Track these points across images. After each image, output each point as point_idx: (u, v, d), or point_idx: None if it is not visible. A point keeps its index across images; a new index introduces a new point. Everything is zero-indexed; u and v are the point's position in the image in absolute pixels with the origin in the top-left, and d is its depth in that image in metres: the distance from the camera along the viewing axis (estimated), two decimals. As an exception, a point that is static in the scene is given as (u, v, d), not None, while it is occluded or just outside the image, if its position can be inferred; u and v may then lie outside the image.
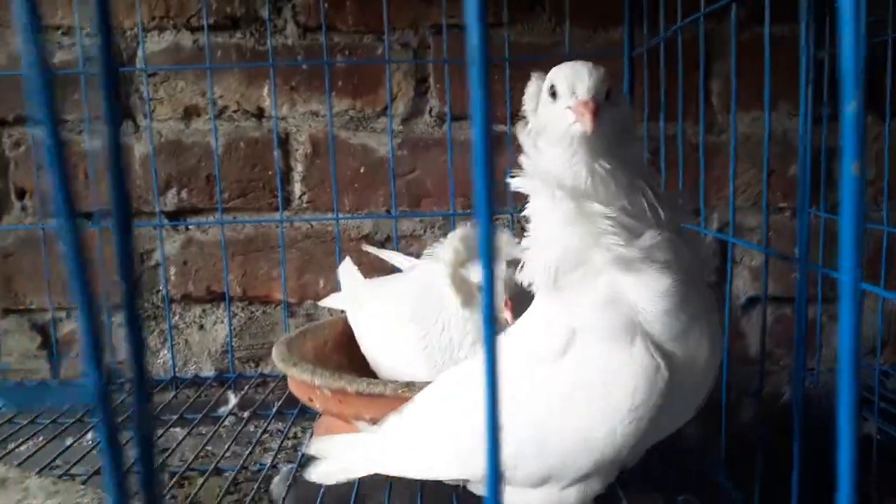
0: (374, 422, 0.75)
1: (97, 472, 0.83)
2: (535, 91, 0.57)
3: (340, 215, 1.12)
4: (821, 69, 1.02)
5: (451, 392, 0.61)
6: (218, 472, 0.84)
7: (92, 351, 0.22)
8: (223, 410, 1.03)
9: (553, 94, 0.54)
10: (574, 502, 0.56)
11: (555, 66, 0.56)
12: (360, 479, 0.73)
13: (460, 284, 0.78)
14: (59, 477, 0.80)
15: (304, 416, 1.00)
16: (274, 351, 0.85)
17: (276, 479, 0.84)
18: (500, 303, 0.75)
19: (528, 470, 0.54)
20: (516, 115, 1.11)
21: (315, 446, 0.69)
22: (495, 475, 0.21)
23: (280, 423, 1.06)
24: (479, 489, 0.61)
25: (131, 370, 0.22)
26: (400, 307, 0.83)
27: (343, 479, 0.66)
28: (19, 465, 0.83)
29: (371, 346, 0.88)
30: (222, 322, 1.17)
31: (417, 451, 0.62)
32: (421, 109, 1.14)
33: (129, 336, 0.22)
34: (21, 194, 1.14)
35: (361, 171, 1.14)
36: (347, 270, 0.99)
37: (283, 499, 0.80)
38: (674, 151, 0.99)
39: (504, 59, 1.09)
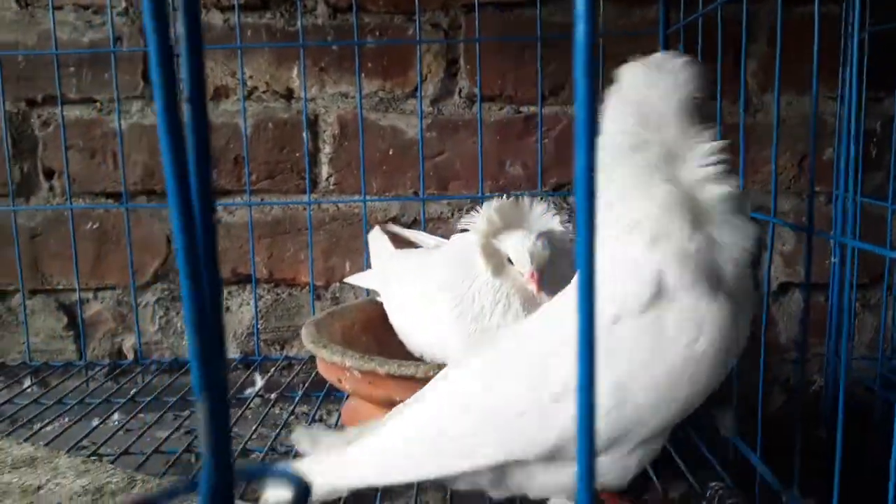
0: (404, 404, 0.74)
1: (125, 452, 0.83)
2: None
3: (368, 197, 1.11)
4: (861, 50, 0.99)
5: (486, 369, 0.60)
6: (245, 453, 0.84)
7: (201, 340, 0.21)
8: (249, 392, 1.02)
9: None
10: (635, 466, 0.56)
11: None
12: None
13: (492, 253, 0.77)
14: (88, 457, 0.80)
15: (331, 398, 1.00)
16: (303, 332, 0.85)
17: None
18: (525, 274, 0.75)
19: (602, 433, 0.53)
20: (548, 96, 1.10)
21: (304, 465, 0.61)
22: (589, 437, 0.19)
23: (306, 406, 1.06)
24: (520, 476, 0.59)
25: (204, 346, 0.21)
26: (431, 277, 0.82)
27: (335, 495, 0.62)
28: (46, 444, 0.83)
29: (401, 318, 0.86)
30: (248, 304, 1.16)
31: (443, 442, 0.58)
32: (451, 90, 1.12)
33: (209, 316, 0.21)
34: (49, 174, 1.14)
35: (390, 152, 1.13)
36: (377, 238, 0.98)
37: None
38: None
39: (536, 39, 1.07)
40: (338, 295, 1.15)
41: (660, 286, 0.52)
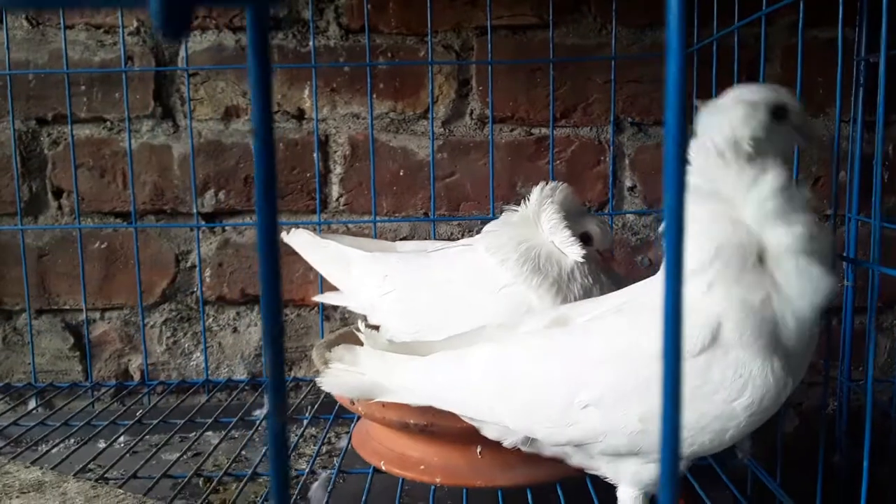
0: (418, 428, 0.73)
1: (134, 476, 0.82)
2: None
3: (378, 218, 1.11)
4: (874, 73, 0.99)
5: (538, 350, 0.61)
6: (255, 477, 0.82)
7: (274, 356, 0.20)
8: (258, 414, 1.01)
9: (778, 115, 0.56)
10: (649, 476, 0.58)
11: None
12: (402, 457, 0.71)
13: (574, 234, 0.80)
14: (96, 481, 0.79)
15: (340, 421, 0.99)
16: (314, 354, 0.84)
17: (314, 486, 0.81)
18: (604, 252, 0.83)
19: (622, 446, 0.56)
20: (560, 118, 1.10)
21: (339, 352, 0.67)
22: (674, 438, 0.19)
23: (315, 429, 1.05)
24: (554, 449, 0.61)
25: (269, 371, 0.20)
26: (512, 269, 0.81)
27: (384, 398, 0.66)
28: (54, 468, 0.82)
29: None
30: (256, 325, 1.15)
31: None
32: (462, 112, 1.12)
33: (269, 335, 0.20)
34: (58, 193, 1.13)
35: (400, 173, 1.12)
36: (317, 244, 0.95)
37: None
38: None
39: (549, 61, 1.07)
40: (347, 316, 1.14)
41: (714, 336, 0.52)
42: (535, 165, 1.12)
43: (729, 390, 0.52)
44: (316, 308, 1.14)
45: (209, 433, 0.97)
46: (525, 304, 0.78)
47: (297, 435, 1.03)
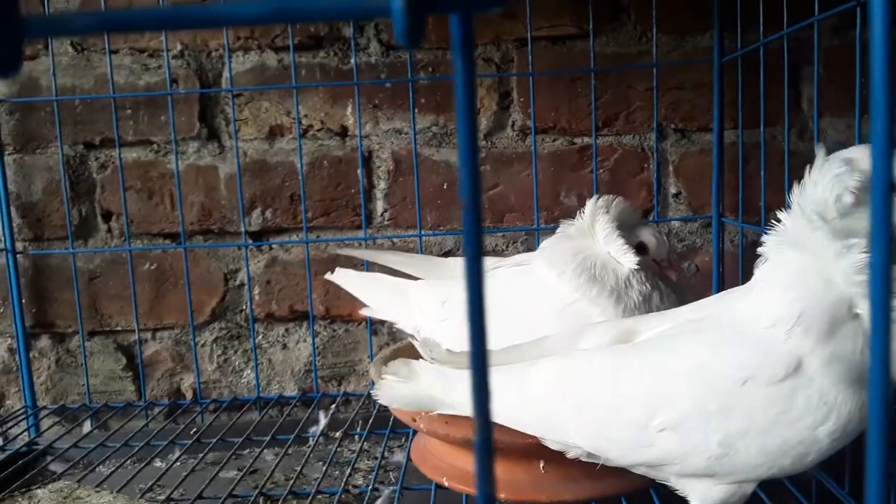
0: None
1: (200, 496, 0.82)
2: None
3: (423, 232, 1.12)
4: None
5: (609, 370, 0.61)
6: (318, 494, 0.83)
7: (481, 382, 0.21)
8: (314, 431, 1.02)
9: None
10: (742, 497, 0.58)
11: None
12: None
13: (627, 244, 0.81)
14: (163, 503, 0.80)
15: (396, 435, 0.99)
16: (371, 370, 0.84)
17: (378, 502, 0.82)
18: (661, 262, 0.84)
19: (699, 468, 0.55)
20: (602, 127, 1.10)
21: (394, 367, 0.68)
22: None
23: (372, 444, 1.05)
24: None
25: (476, 395, 0.21)
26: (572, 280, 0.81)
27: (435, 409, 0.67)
28: (119, 490, 0.83)
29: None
30: (305, 341, 1.16)
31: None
32: (503, 124, 1.12)
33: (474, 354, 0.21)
34: (107, 216, 1.15)
35: (444, 186, 1.13)
36: (367, 278, 0.98)
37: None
38: (759, 158, 0.97)
39: (590, 71, 1.07)
40: (394, 331, 1.15)
41: (798, 364, 0.53)
42: (579, 175, 1.12)
43: (813, 418, 0.52)
44: (363, 323, 1.15)
45: (264, 450, 0.98)
46: (589, 320, 0.78)
47: (350, 450, 1.04)
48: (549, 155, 1.12)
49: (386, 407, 1.09)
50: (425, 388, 0.66)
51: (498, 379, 0.64)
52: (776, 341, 0.53)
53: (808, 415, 0.52)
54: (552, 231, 1.11)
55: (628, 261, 0.80)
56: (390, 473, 0.95)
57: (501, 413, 0.63)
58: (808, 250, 0.54)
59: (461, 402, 0.65)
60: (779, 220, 0.57)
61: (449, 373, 0.67)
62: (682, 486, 0.59)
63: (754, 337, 0.55)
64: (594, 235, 0.83)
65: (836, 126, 1.09)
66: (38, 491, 0.76)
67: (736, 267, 1.09)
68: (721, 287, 1.08)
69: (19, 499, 0.74)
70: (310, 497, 0.81)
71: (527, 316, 0.82)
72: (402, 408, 0.75)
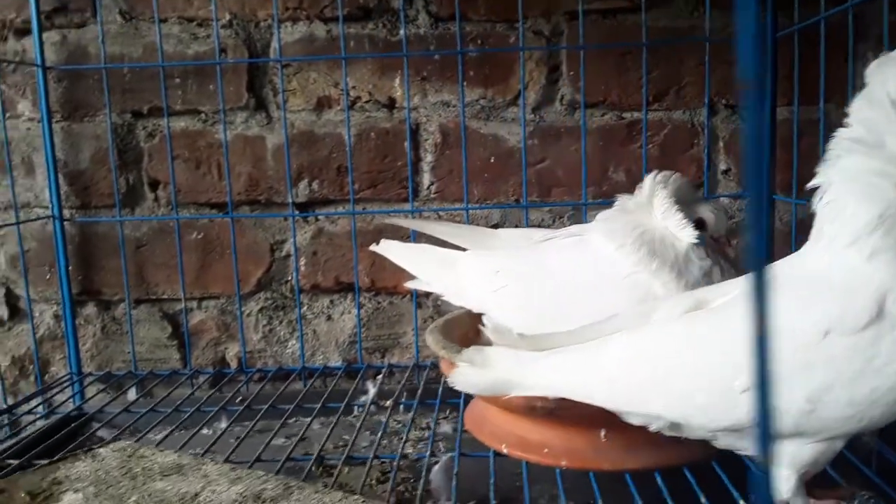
0: (545, 411, 0.73)
1: (258, 459, 0.83)
2: None
3: (469, 205, 1.11)
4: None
5: (685, 334, 0.61)
6: (375, 458, 0.83)
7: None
8: (363, 400, 1.02)
9: None
10: (810, 457, 0.57)
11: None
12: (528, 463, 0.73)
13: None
14: (223, 463, 0.81)
15: (446, 406, 1.00)
16: (429, 338, 0.84)
17: (435, 469, 0.82)
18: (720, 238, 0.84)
19: (786, 427, 0.55)
20: (652, 102, 1.09)
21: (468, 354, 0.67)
22: None
23: (421, 415, 1.05)
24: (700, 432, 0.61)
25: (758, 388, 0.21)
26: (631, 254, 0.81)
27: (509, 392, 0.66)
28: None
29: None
30: (349, 312, 1.16)
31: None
32: (552, 97, 1.12)
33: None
34: (154, 185, 1.15)
35: (491, 160, 1.13)
36: (413, 249, 0.97)
37: (446, 487, 0.80)
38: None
39: (642, 45, 1.06)
40: (439, 303, 1.15)
41: (880, 308, 0.52)
42: (627, 150, 1.12)
43: None
44: (408, 296, 1.15)
45: (313, 420, 0.98)
46: (649, 292, 0.78)
47: (398, 421, 1.04)
48: (598, 129, 1.12)
49: (435, 380, 1.10)
50: (501, 373, 0.66)
51: (573, 357, 0.65)
52: (855, 281, 0.53)
53: (895, 360, 0.51)
54: (599, 206, 1.11)
55: (687, 235, 0.80)
56: (440, 443, 0.95)
57: (582, 391, 0.63)
58: (880, 147, 0.53)
59: (537, 383, 0.65)
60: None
61: (523, 356, 0.66)
62: None
63: (830, 285, 0.55)
64: (652, 210, 0.83)
65: None
66: (101, 450, 0.76)
67: (784, 246, 1.08)
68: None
69: (82, 457, 0.74)
70: (367, 462, 0.81)
71: (583, 287, 0.82)
72: (479, 394, 0.76)
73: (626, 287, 0.80)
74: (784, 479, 0.59)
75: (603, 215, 0.86)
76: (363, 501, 0.64)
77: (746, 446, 0.60)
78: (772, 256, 1.07)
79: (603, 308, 0.79)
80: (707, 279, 0.80)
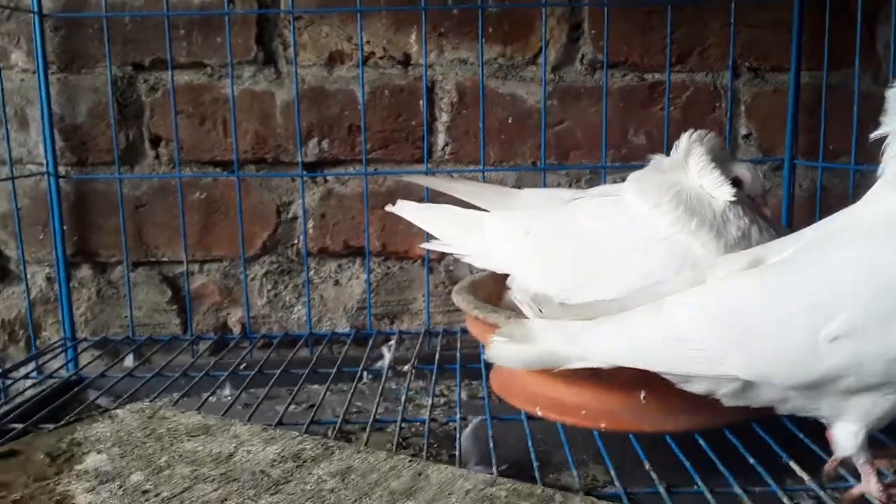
0: (588, 372, 0.71)
1: (280, 423, 0.79)
2: None
3: (486, 167, 1.08)
4: None
5: (760, 289, 0.58)
6: (404, 421, 0.80)
7: None
8: (379, 366, 0.99)
9: None
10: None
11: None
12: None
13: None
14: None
15: (467, 371, 0.97)
16: (458, 299, 0.81)
17: (465, 433, 0.79)
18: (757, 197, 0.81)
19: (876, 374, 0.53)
20: (674, 63, 1.07)
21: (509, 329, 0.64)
22: None
23: (443, 380, 1.02)
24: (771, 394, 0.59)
25: None
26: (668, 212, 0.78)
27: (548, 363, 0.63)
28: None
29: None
30: (358, 278, 1.13)
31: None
32: (572, 57, 1.09)
33: None
34: (156, 142, 1.10)
35: (509, 121, 1.09)
36: (434, 209, 0.93)
37: (476, 451, 0.77)
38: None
39: (666, 3, 1.04)
40: (451, 268, 1.12)
41: None
42: (649, 112, 1.09)
43: None
44: (419, 260, 1.12)
45: (328, 386, 0.94)
46: (689, 253, 0.75)
47: (416, 387, 1.01)
48: (619, 91, 1.09)
49: (448, 348, 1.07)
50: (548, 346, 0.63)
51: (632, 323, 0.61)
52: None
53: None
54: (620, 170, 1.09)
55: (725, 193, 0.78)
56: (467, 406, 0.92)
57: (644, 357, 0.61)
58: None
59: (593, 353, 0.62)
60: None
61: (571, 327, 0.63)
62: (838, 410, 0.56)
63: None
64: (688, 169, 0.81)
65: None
66: (118, 411, 0.72)
67: (804, 212, 1.07)
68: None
69: (99, 418, 0.70)
70: (396, 425, 0.78)
71: (619, 250, 0.79)
72: (521, 368, 0.73)
73: (664, 248, 0.77)
74: (852, 435, 0.57)
75: (635, 175, 0.83)
76: (409, 460, 0.61)
77: (819, 405, 0.57)
78: (791, 223, 1.06)
79: (641, 270, 0.77)
80: (745, 239, 0.78)
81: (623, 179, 1.08)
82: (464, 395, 0.97)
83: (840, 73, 1.06)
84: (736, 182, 0.80)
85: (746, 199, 0.80)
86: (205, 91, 1.08)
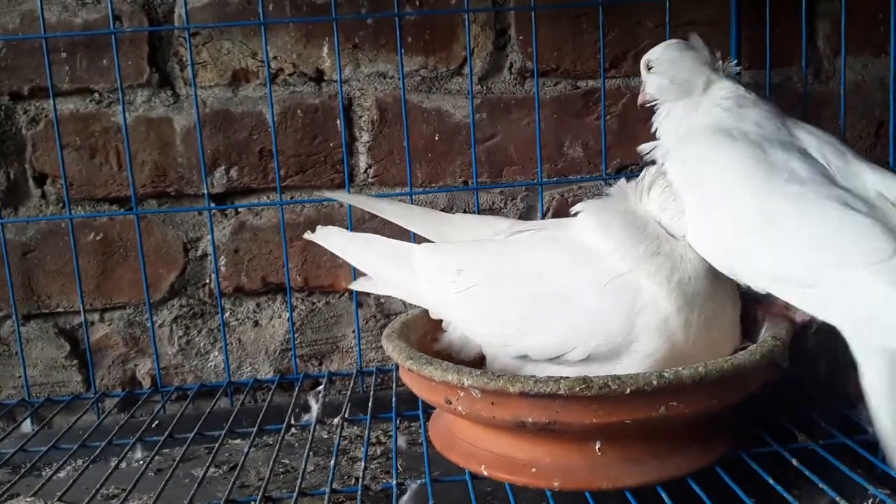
0: (537, 427, 0.63)
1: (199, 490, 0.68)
2: None
3: (414, 190, 0.99)
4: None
5: None
6: (333, 493, 0.70)
7: None
8: (306, 419, 0.89)
9: None
10: None
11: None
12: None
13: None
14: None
15: (404, 417, 0.88)
16: (388, 346, 0.73)
17: (404, 499, 0.70)
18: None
19: None
20: (609, 68, 1.00)
21: None
22: None
23: (378, 428, 0.93)
24: None
25: None
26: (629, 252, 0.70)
27: None
28: (62, 496, 0.69)
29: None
30: (280, 317, 1.02)
31: None
32: (500, 66, 1.01)
33: None
34: (41, 179, 0.98)
35: (435, 138, 1.01)
36: (359, 239, 0.84)
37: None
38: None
39: (597, 4, 0.96)
40: (382, 301, 1.03)
41: None
42: (584, 122, 1.01)
43: None
44: (347, 294, 1.02)
45: (251, 443, 0.83)
46: (638, 295, 0.68)
47: (349, 439, 0.92)
48: (552, 100, 1.01)
49: (383, 387, 0.98)
50: None
51: None
52: None
53: None
54: (556, 185, 1.01)
55: (679, 230, 0.72)
56: (406, 456, 0.83)
57: None
58: None
59: None
60: None
61: None
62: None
63: None
64: (643, 201, 0.74)
65: (852, 66, 1.02)
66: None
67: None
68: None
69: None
70: (325, 497, 0.68)
71: (566, 293, 0.71)
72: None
73: (610, 290, 0.70)
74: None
75: (591, 208, 0.75)
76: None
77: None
78: None
79: (584, 316, 0.69)
80: (703, 276, 0.71)
81: (561, 195, 1.02)
82: (402, 443, 0.88)
83: (780, 72, 1.00)
84: None
85: None
86: (93, 120, 0.97)
